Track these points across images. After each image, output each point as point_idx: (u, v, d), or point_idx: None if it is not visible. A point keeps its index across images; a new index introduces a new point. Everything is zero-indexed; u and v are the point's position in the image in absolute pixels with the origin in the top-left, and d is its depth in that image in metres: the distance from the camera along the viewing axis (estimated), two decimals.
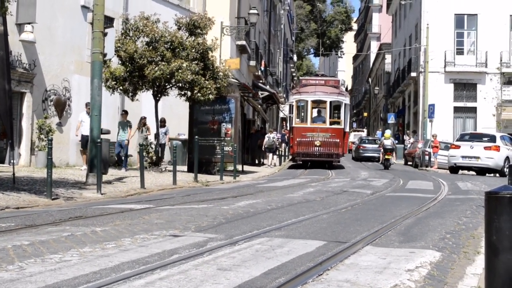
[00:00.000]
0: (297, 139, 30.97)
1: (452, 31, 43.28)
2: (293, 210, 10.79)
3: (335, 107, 32.85)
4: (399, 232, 8.42)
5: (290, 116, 35.98)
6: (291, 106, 34.40)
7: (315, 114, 32.53)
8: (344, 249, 6.84)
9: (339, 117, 32.39)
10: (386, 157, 32.42)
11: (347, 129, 33.58)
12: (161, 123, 23.72)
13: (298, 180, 21.31)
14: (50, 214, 9.65)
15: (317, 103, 32.54)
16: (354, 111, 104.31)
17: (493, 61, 42.41)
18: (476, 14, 43.08)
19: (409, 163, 40.58)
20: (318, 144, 30.35)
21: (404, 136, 47.07)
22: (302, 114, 32.99)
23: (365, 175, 24.89)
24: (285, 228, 8.38)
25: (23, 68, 20.99)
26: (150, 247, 6.64)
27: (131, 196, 13.96)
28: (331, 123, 31.38)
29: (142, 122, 23.12)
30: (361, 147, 44.02)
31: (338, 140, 30.67)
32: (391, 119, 54.60)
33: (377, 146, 39.87)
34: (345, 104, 32.57)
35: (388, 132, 34.49)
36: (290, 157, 35.78)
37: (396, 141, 42.10)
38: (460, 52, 43.42)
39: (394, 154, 34.83)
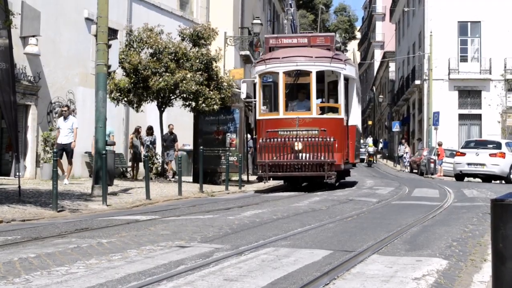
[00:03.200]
0: (261, 141, 19.17)
1: (455, 39, 43.28)
2: (299, 219, 10.77)
3: (329, 84, 21.47)
4: (405, 240, 8.40)
5: (253, 103, 23.55)
6: (254, 86, 20.97)
7: (292, 96, 20.52)
8: (351, 258, 6.82)
9: (336, 100, 20.41)
10: (369, 159, 50.20)
11: (355, 121, 21.61)
12: (148, 131, 23.75)
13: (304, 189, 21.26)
14: (56, 226, 9.66)
15: (295, 77, 20.16)
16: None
17: (497, 67, 42.39)
18: (480, 21, 43.09)
19: (414, 171, 40.53)
20: (298, 149, 18.74)
21: (399, 145, 47.16)
22: (271, 98, 20.82)
23: (370, 184, 24.84)
24: (291, 238, 8.36)
25: (27, 80, 21.05)
26: (156, 258, 6.63)
27: (137, 207, 13.95)
28: (321, 111, 19.82)
29: (137, 131, 23.38)
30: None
31: (333, 139, 18.64)
32: (396, 127, 54.58)
33: (364, 150, 50.24)
34: (346, 78, 20.40)
35: (370, 142, 53.78)
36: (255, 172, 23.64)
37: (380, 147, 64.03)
38: (464, 59, 43.41)
39: (375, 157, 53.06)
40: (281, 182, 23.15)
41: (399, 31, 61.88)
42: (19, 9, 19.83)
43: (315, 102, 19.54)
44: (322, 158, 18.72)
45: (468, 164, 29.26)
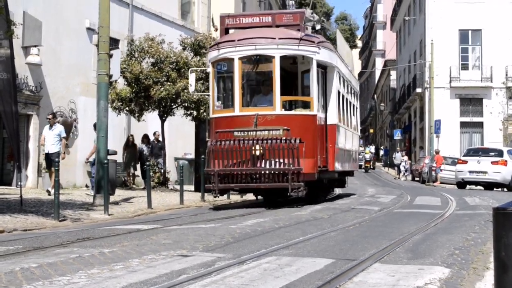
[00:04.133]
0: (210, 144, 15.62)
1: (456, 47, 43.34)
2: (300, 228, 10.76)
3: (304, 74, 17.33)
4: (407, 248, 8.39)
5: (206, 98, 20.54)
6: (208, 76, 17.96)
7: (252, 88, 16.96)
8: (353, 266, 6.81)
9: (307, 93, 16.59)
10: (366, 165, 53.71)
11: (333, 119, 17.30)
12: (144, 139, 23.31)
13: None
14: (58, 236, 9.65)
15: (255, 64, 16.37)
16: (360, 128, 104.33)
17: (498, 75, 42.42)
18: (480, 30, 43.15)
19: (416, 179, 40.51)
20: (258, 154, 15.13)
21: (395, 153, 47.29)
22: (226, 91, 17.06)
23: (372, 192, 24.82)
24: (293, 247, 8.35)
25: (29, 90, 21.10)
26: (158, 267, 6.62)
27: (139, 217, 13.95)
28: (287, 105, 16.20)
29: (130, 140, 23.27)
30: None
31: (299, 141, 15.03)
32: (398, 135, 54.62)
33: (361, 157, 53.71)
34: (322, 65, 16.78)
35: (367, 150, 57.34)
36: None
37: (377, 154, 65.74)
38: (465, 67, 43.46)
39: (371, 163, 56.16)
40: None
41: (400, 40, 61.97)
42: (21, 19, 19.90)
43: (278, 95, 15.67)
44: (288, 165, 14.96)
45: (470, 172, 29.27)
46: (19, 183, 14.85)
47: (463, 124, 43.27)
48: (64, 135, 18.33)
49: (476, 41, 43.60)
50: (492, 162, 28.88)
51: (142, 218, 13.51)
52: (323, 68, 16.94)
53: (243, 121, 15.59)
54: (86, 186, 22.89)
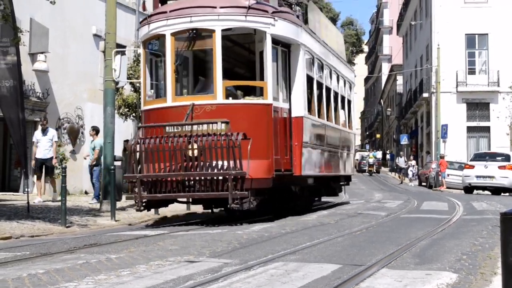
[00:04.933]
0: (134, 143, 12.62)
1: (463, 51, 43.30)
2: (307, 233, 10.75)
3: (247, 51, 15.19)
4: (414, 254, 8.37)
5: (137, 88, 18.75)
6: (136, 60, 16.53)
7: (189, 72, 14.26)
8: (360, 272, 6.79)
9: (259, 76, 13.54)
10: (370, 169, 57.63)
11: (299, 110, 14.19)
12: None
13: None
14: (65, 242, 9.66)
15: (191, 40, 13.09)
16: (367, 133, 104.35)
17: (505, 80, 42.34)
18: (487, 34, 43.10)
19: (423, 183, 40.45)
20: (194, 155, 12.15)
21: (399, 158, 47.21)
22: (159, 76, 13.84)
23: (379, 197, 24.79)
24: (300, 252, 8.34)
25: (36, 97, 21.17)
26: (165, 273, 6.62)
27: (145, 222, 13.96)
28: (231, 93, 13.08)
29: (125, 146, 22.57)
30: (362, 163, 61.86)
31: (240, 137, 11.84)
32: (404, 140, 54.58)
33: (365, 161, 60.26)
34: (283, 42, 13.68)
35: (371, 155, 62.54)
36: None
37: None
38: (471, 71, 43.40)
39: (374, 167, 58.60)
40: None
41: (407, 44, 61.94)
42: (28, 26, 19.97)
43: (220, 80, 12.50)
44: (229, 169, 11.82)
45: (477, 176, 29.22)
46: (26, 190, 14.87)
47: (470, 129, 43.19)
48: (56, 139, 18.08)
49: (483, 46, 43.54)
50: (499, 167, 28.83)
51: (148, 224, 13.53)
52: (285, 46, 13.81)
53: (177, 113, 12.49)
54: (86, 192, 22.93)
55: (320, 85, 16.25)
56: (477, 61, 43.70)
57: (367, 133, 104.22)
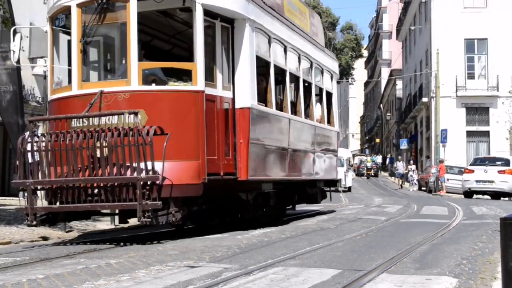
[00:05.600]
0: (24, 141, 10.28)
1: (462, 56, 43.33)
2: (307, 238, 10.74)
3: (185, 27, 12.55)
4: (414, 258, 8.37)
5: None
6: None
7: (100, 53, 11.77)
8: (360, 277, 6.79)
9: (188, 55, 11.69)
10: (368, 172, 59.36)
11: (244, 100, 11.58)
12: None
13: (311, 207, 21.24)
14: (65, 247, 9.66)
15: (101, 13, 10.61)
16: (366, 138, 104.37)
17: (504, 84, 42.37)
18: (486, 39, 43.14)
19: (423, 188, 40.45)
20: (101, 155, 9.81)
21: (396, 162, 47.14)
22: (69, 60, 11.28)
23: (378, 202, 24.78)
24: (300, 257, 8.34)
25: (36, 101, 21.19)
26: (165, 278, 6.62)
27: (145, 227, 13.94)
28: (158, 78, 10.79)
29: None
30: (360, 167, 62.57)
31: (153, 131, 9.58)
32: (404, 145, 54.58)
33: (363, 166, 61.84)
34: (218, 14, 11.22)
35: (368, 159, 64.01)
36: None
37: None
38: (471, 76, 43.43)
39: (372, 171, 59.91)
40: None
41: (406, 49, 62.00)
42: (27, 31, 19.96)
43: (135, 61, 10.32)
44: (134, 172, 9.62)
45: (477, 181, 29.23)
46: (25, 195, 14.86)
47: (469, 133, 43.21)
48: None
49: (482, 50, 43.58)
50: (499, 171, 28.84)
51: (148, 228, 13.51)
52: (227, 22, 11.47)
53: (84, 103, 10.26)
54: None
55: (281, 72, 13.64)
56: (477, 66, 43.72)
57: (367, 137, 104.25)
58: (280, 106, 13.61)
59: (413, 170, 43.50)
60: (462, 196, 30.75)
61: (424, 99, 46.49)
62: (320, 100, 16.74)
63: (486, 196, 30.24)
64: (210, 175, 10.43)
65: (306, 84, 15.48)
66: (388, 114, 74.84)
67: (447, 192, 34.34)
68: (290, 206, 16.36)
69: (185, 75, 10.71)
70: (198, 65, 10.54)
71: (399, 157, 49.47)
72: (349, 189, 37.03)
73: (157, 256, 8.37)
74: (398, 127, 65.46)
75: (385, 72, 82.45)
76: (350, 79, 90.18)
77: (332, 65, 17.82)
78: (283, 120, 13.38)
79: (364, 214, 17.07)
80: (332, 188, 18.63)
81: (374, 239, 10.86)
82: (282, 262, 7.86)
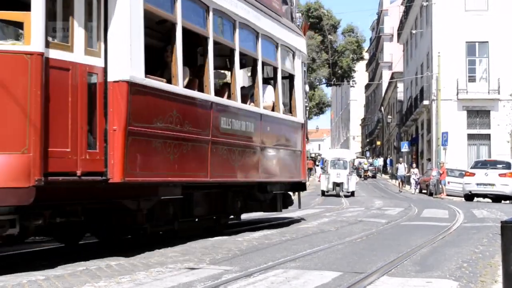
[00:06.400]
0: None
1: (463, 59, 43.30)
2: (307, 240, 10.74)
3: None
4: (415, 261, 8.36)
5: None
6: None
7: None
8: (360, 279, 6.79)
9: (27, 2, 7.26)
10: (365, 174, 61.71)
11: (121, 71, 8.21)
12: None
13: (312, 210, 21.24)
14: (65, 248, 9.64)
15: None
16: (367, 140, 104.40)
17: (505, 87, 42.31)
18: (487, 42, 43.12)
19: (423, 191, 40.42)
20: None
21: (399, 164, 46.89)
22: None
23: (379, 204, 24.77)
24: (300, 259, 8.34)
25: None
26: (165, 280, 6.62)
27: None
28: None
29: None
30: (359, 169, 61.57)
31: None
32: (405, 148, 54.55)
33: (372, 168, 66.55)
34: None
35: (365, 161, 66.39)
36: None
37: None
38: (472, 79, 43.40)
39: (369, 172, 63.22)
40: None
41: (407, 52, 62.01)
42: None
43: None
44: None
45: (478, 184, 29.19)
46: None
47: (470, 136, 43.17)
48: None
49: (483, 53, 43.56)
50: (500, 175, 28.81)
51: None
52: None
53: None
54: None
55: (200, 39, 10.61)
56: (478, 69, 43.69)
57: (368, 140, 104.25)
58: (197, 85, 10.43)
59: (415, 173, 43.30)
60: (463, 199, 30.72)
61: (425, 102, 46.47)
62: (274, 83, 13.28)
63: (487, 199, 30.21)
64: (56, 174, 7.47)
65: (244, 61, 12.57)
66: (389, 116, 74.83)
67: (447, 195, 34.31)
68: (233, 216, 12.82)
69: (19, 30, 7.62)
70: (34, 15, 7.36)
71: (400, 159, 49.30)
72: (352, 193, 34.10)
73: (157, 257, 8.36)
74: (399, 129, 65.44)
75: (386, 75, 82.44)
76: (351, 82, 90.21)
77: (294, 41, 14.20)
78: (198, 103, 10.11)
79: (365, 217, 17.06)
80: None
81: (375, 241, 10.86)
82: (283, 264, 7.86)
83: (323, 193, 33.95)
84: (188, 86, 10.04)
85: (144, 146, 8.63)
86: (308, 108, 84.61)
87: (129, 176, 8.24)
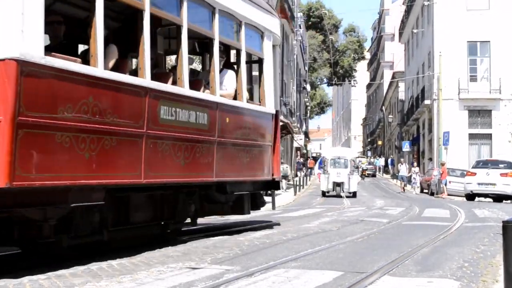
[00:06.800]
0: None
1: (465, 58, 43.26)
2: (309, 240, 10.74)
3: None
4: (416, 261, 8.36)
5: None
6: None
7: None
8: (362, 279, 6.78)
9: None
10: (362, 173, 59.38)
11: (9, 45, 6.45)
12: None
13: (314, 209, 21.23)
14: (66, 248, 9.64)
15: None
16: (368, 140, 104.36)
17: (507, 87, 42.28)
18: (489, 41, 43.08)
19: (425, 190, 40.40)
20: None
21: (401, 165, 46.63)
22: None
23: (380, 204, 24.77)
24: (302, 259, 8.33)
25: None
26: (166, 280, 6.62)
27: None
28: None
29: None
30: (358, 167, 59.36)
31: None
32: (406, 147, 54.50)
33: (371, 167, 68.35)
34: None
35: (363, 160, 67.58)
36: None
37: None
38: (473, 79, 43.37)
39: (367, 172, 63.35)
40: (291, 202, 22.90)
41: (408, 51, 61.97)
42: None
43: None
44: None
45: (479, 184, 29.20)
46: None
47: (471, 136, 43.14)
48: None
49: (485, 53, 43.53)
50: (501, 174, 28.82)
51: None
52: None
53: None
54: None
55: (135, 14, 8.72)
56: (479, 68, 43.65)
57: (369, 139, 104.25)
58: (130, 69, 9.14)
59: (417, 173, 43.14)
60: (464, 198, 30.70)
61: (427, 102, 46.44)
62: (236, 68, 11.50)
63: (488, 199, 30.20)
64: None
65: (191, 39, 10.57)
66: (390, 116, 74.83)
67: (449, 195, 34.29)
68: (190, 221, 11.21)
69: None
70: None
71: (402, 159, 49.15)
72: (354, 194, 32.50)
73: (159, 257, 8.37)
74: (400, 129, 65.41)
75: (387, 74, 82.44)
76: (352, 81, 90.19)
77: (263, 20, 12.28)
78: (127, 88, 8.33)
79: (366, 216, 17.05)
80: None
81: (376, 241, 10.86)
82: (284, 264, 7.86)
83: (324, 194, 32.92)
84: (117, 68, 8.28)
85: (44, 141, 6.87)
86: (309, 107, 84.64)
87: (20, 179, 6.52)
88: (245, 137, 11.40)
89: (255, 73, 12.27)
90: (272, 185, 13.25)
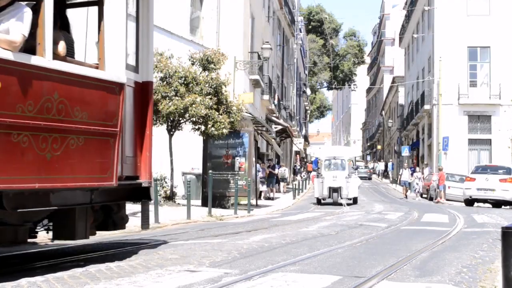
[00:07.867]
0: None
1: (465, 64, 43.30)
2: (307, 244, 10.73)
3: None
4: (415, 266, 8.36)
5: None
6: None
7: None
8: (360, 284, 6.78)
9: None
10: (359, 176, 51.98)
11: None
12: None
13: (313, 213, 21.23)
14: (64, 250, 9.64)
15: None
16: (368, 144, 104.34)
17: (507, 93, 42.31)
18: (489, 47, 43.12)
19: (424, 196, 40.39)
20: None
21: (403, 170, 46.23)
22: None
23: (379, 208, 24.75)
24: (300, 263, 8.33)
25: None
26: (164, 283, 6.61)
27: (145, 231, 13.93)
28: None
29: None
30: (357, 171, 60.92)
31: None
32: (405, 152, 54.49)
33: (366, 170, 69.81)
34: None
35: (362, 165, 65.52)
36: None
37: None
38: (473, 84, 43.40)
39: (362, 174, 63.91)
40: (290, 206, 22.91)
41: (409, 56, 62.02)
42: None
43: None
44: None
45: (478, 189, 29.20)
46: None
47: (471, 141, 43.15)
48: None
49: (485, 58, 43.57)
50: (501, 180, 28.82)
51: (149, 233, 13.49)
52: None
53: None
54: None
55: None
56: (479, 74, 43.69)
57: (368, 144, 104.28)
58: None
59: (419, 178, 42.53)
60: (463, 204, 30.70)
61: (426, 107, 46.46)
62: (38, 8, 6.98)
63: (487, 204, 30.21)
64: None
65: None
66: (390, 121, 74.83)
67: (447, 200, 34.29)
68: None
69: None
70: None
71: (405, 164, 48.72)
72: (355, 200, 28.58)
73: (157, 260, 8.36)
74: (400, 134, 65.44)
75: (387, 79, 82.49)
76: (352, 86, 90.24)
77: None
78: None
79: (365, 221, 17.05)
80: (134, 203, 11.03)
81: (375, 246, 10.85)
82: (283, 267, 7.86)
83: (319, 202, 28.33)
84: None
85: None
86: (309, 111, 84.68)
87: None
88: (56, 117, 6.90)
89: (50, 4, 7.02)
90: (141, 193, 8.90)
